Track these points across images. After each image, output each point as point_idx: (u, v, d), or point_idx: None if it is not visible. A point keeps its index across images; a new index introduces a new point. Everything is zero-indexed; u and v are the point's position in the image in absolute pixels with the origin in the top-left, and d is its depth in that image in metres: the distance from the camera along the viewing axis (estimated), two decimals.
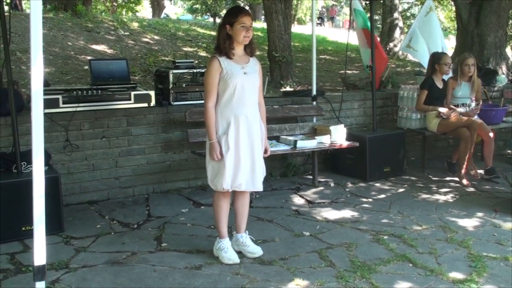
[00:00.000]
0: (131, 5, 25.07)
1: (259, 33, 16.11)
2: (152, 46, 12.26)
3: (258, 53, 11.90)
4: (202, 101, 3.71)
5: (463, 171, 5.88)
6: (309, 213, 4.91)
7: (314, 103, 6.23)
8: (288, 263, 3.75)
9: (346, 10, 37.62)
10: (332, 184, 5.88)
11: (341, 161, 6.26)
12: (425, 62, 7.26)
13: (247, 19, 3.61)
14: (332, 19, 37.16)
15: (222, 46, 3.63)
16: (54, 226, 4.16)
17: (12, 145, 4.46)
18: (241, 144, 3.62)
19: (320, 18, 35.06)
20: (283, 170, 6.24)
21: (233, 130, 3.61)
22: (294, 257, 3.86)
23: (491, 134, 6.04)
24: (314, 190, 5.67)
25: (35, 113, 2.47)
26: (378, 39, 11.52)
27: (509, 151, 7.54)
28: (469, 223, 4.62)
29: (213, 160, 3.65)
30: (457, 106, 6.29)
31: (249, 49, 3.74)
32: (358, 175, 6.02)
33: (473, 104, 6.25)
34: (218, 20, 21.12)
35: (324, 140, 5.59)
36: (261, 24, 21.95)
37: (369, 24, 6.69)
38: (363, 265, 3.70)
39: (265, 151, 3.87)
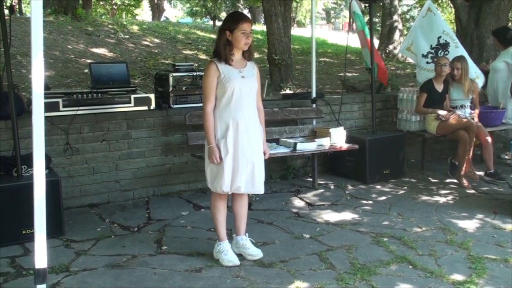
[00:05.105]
0: (130, 8, 25.11)
1: (259, 36, 16.11)
2: (152, 49, 12.25)
3: (258, 55, 11.87)
4: (202, 104, 3.73)
5: (462, 173, 5.90)
6: (309, 216, 4.91)
7: (314, 105, 6.24)
8: (288, 266, 3.76)
9: (346, 12, 37.47)
10: (332, 187, 5.89)
11: (341, 164, 6.27)
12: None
13: (247, 25, 3.63)
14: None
15: (222, 52, 3.65)
16: (54, 229, 4.16)
17: (12, 149, 4.47)
18: (240, 147, 3.64)
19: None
20: (283, 172, 6.25)
21: (232, 133, 3.63)
22: (294, 259, 3.87)
23: (489, 138, 6.05)
24: (314, 192, 5.68)
25: (36, 116, 2.48)
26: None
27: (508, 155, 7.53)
28: (469, 224, 4.63)
29: (212, 163, 3.67)
30: (455, 108, 6.31)
31: (247, 54, 3.77)
32: (358, 177, 6.03)
33: (468, 110, 6.26)
34: (218, 23, 21.15)
35: (324, 143, 5.60)
36: (260, 26, 21.96)
37: (366, 29, 6.70)
38: (363, 267, 3.71)
39: (264, 154, 3.89)
